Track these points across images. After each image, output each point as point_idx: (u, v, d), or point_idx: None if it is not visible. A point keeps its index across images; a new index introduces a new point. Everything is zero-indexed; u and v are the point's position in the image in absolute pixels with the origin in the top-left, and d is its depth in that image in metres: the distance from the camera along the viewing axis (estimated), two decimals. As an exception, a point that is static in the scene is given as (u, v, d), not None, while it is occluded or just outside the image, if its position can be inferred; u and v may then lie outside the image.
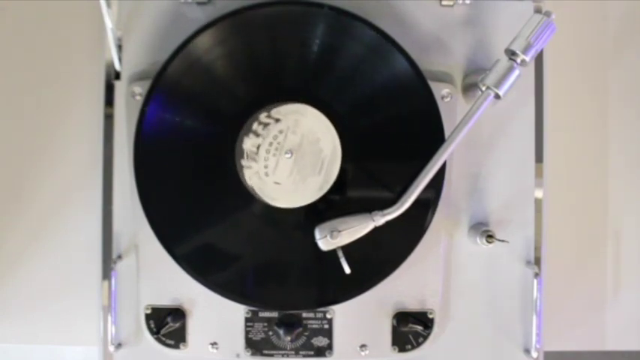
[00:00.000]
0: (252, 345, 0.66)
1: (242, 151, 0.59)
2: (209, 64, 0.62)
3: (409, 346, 0.66)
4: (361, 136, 0.62)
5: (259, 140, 0.59)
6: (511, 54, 0.57)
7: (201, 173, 0.62)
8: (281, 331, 0.65)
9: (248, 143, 0.59)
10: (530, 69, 0.67)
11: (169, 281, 0.65)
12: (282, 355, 0.66)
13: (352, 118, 0.62)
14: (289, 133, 0.59)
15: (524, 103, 0.67)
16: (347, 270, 0.59)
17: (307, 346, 0.66)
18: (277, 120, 0.59)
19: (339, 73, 0.63)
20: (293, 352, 0.66)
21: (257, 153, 0.59)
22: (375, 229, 0.59)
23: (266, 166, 0.60)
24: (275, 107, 0.59)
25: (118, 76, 0.66)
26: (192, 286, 0.63)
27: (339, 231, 0.59)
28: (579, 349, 0.76)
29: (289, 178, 0.60)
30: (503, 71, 0.57)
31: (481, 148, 0.67)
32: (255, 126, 0.59)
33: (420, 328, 0.65)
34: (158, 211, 0.62)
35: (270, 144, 0.59)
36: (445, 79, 0.66)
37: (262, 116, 0.59)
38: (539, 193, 0.67)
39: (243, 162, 0.59)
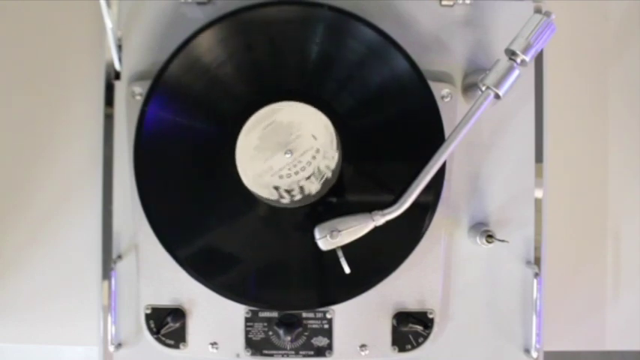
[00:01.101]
0: (252, 345, 0.66)
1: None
2: (209, 64, 0.62)
3: (409, 346, 0.66)
4: (361, 136, 0.62)
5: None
6: (511, 54, 0.57)
7: (201, 173, 0.62)
8: (281, 331, 0.65)
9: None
10: (530, 69, 0.67)
11: (169, 281, 0.65)
12: (282, 355, 0.66)
13: (352, 118, 0.62)
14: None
15: (524, 103, 0.67)
16: (347, 270, 0.59)
17: (307, 346, 0.66)
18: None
19: (339, 73, 0.63)
20: (293, 352, 0.66)
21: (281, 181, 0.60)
22: (375, 229, 0.59)
23: (304, 167, 0.60)
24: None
25: (118, 76, 0.66)
26: (192, 286, 0.63)
27: (339, 231, 0.59)
28: (579, 349, 0.76)
29: (308, 167, 0.60)
30: (503, 71, 0.57)
31: (481, 148, 0.67)
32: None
33: (420, 328, 0.65)
34: (158, 211, 0.62)
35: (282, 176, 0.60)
36: (445, 79, 0.66)
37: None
38: (539, 193, 0.67)
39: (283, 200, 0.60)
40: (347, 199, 0.62)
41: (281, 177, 0.60)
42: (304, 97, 0.60)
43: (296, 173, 0.60)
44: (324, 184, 0.60)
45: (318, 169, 0.60)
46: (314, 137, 0.60)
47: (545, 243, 0.67)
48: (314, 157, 0.60)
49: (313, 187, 0.60)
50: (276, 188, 0.60)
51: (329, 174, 0.60)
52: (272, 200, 0.60)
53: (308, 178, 0.60)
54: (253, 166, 0.60)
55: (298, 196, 0.60)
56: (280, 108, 0.60)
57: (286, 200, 0.60)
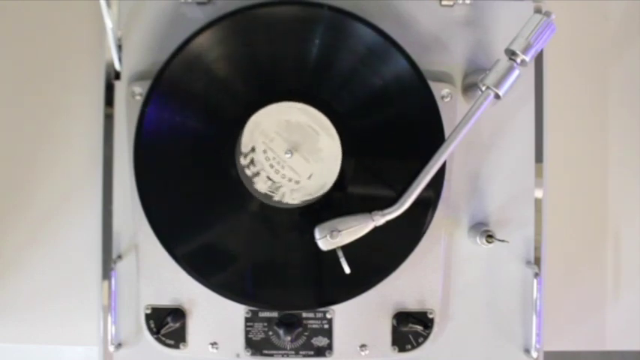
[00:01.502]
0: (252, 345, 0.66)
1: (262, 194, 0.61)
2: (209, 64, 0.62)
3: (409, 346, 0.66)
4: (361, 136, 0.62)
5: (262, 173, 0.60)
6: (511, 54, 0.57)
7: (201, 173, 0.62)
8: (281, 331, 0.65)
9: (261, 185, 0.60)
10: (530, 69, 0.67)
11: (169, 281, 0.65)
12: (282, 355, 0.66)
13: (352, 118, 0.62)
14: (274, 143, 0.60)
15: (524, 103, 0.67)
16: (347, 270, 0.59)
17: (307, 346, 0.66)
18: (253, 149, 0.60)
19: (339, 73, 0.63)
20: (293, 352, 0.66)
21: (275, 183, 0.60)
22: (375, 229, 0.59)
23: (290, 179, 0.60)
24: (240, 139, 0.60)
25: (118, 76, 0.66)
26: (192, 286, 0.63)
27: (339, 231, 0.59)
28: (579, 349, 0.76)
29: (306, 168, 0.60)
30: (503, 71, 0.57)
31: (481, 148, 0.67)
32: (248, 170, 0.60)
33: (420, 328, 0.65)
34: (158, 211, 0.62)
35: (271, 166, 0.60)
36: (445, 79, 0.66)
37: (242, 160, 0.60)
38: (539, 193, 0.67)
39: (274, 198, 0.61)
40: (347, 199, 0.62)
41: (264, 152, 0.60)
42: (304, 97, 0.60)
43: (270, 166, 0.61)
44: (265, 196, 0.61)
45: (278, 188, 0.61)
46: (309, 176, 0.61)
47: (545, 243, 0.67)
48: (289, 180, 0.61)
49: (260, 185, 0.61)
50: (252, 149, 0.60)
51: (275, 197, 0.61)
52: (238, 149, 0.60)
53: (268, 178, 0.61)
54: (270, 122, 0.60)
55: (248, 173, 0.60)
56: (332, 135, 0.60)
57: (243, 162, 0.60)
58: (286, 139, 0.60)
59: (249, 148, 0.60)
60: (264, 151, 0.60)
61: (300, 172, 0.60)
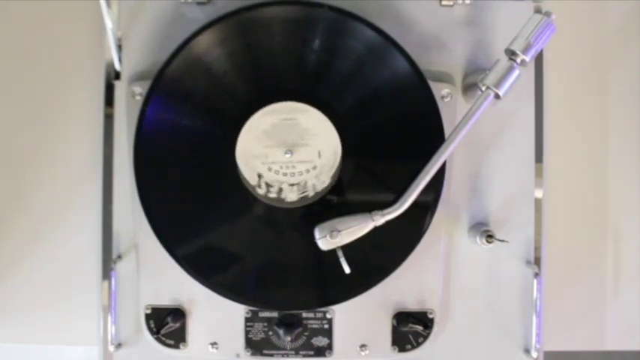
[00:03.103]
0: (252, 345, 0.66)
1: (263, 196, 0.61)
2: (209, 64, 0.62)
3: (409, 346, 0.66)
4: (361, 136, 0.62)
5: (284, 186, 0.60)
6: (511, 54, 0.57)
7: (201, 173, 0.62)
8: (281, 331, 0.65)
9: (292, 195, 0.60)
10: (530, 69, 0.67)
11: (169, 281, 0.65)
12: (282, 355, 0.66)
13: (352, 118, 0.62)
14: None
15: (524, 103, 0.67)
16: (347, 270, 0.59)
17: (307, 346, 0.66)
18: (259, 176, 0.60)
19: (339, 73, 0.63)
20: (293, 352, 0.66)
21: (299, 184, 0.60)
22: (375, 229, 0.59)
23: (307, 170, 0.60)
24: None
25: (118, 76, 0.66)
26: (192, 286, 0.63)
27: (339, 231, 0.58)
28: (579, 349, 0.76)
29: (311, 150, 0.60)
30: (503, 71, 0.57)
31: (481, 148, 0.67)
32: (271, 193, 0.60)
33: (420, 328, 0.65)
34: (158, 211, 0.62)
35: (285, 175, 0.60)
36: (445, 79, 0.66)
37: (260, 191, 0.60)
38: (539, 193, 0.67)
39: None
40: (347, 199, 0.62)
41: (270, 169, 0.60)
42: (304, 97, 0.60)
43: (284, 174, 0.60)
44: (301, 199, 0.60)
45: (305, 183, 0.60)
46: (319, 154, 0.60)
47: (545, 243, 0.67)
48: (308, 171, 0.60)
49: (290, 196, 0.60)
50: (259, 176, 0.60)
51: (311, 193, 0.60)
52: (249, 184, 0.60)
53: (291, 185, 0.60)
54: (253, 145, 0.60)
55: (273, 195, 0.60)
56: (306, 111, 0.60)
57: (261, 192, 0.60)
58: (276, 144, 0.60)
59: (256, 176, 0.60)
60: (269, 169, 0.60)
61: (310, 157, 0.60)
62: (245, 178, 0.60)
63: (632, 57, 0.76)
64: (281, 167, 0.60)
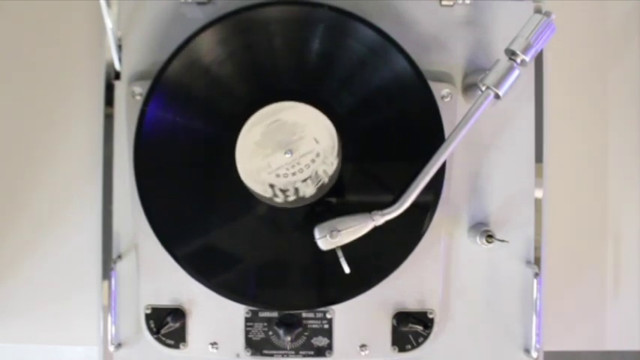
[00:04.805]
0: (252, 345, 0.66)
1: (264, 196, 0.61)
2: (209, 64, 0.62)
3: (409, 346, 0.66)
4: (361, 136, 0.62)
5: (297, 184, 0.60)
6: (511, 54, 0.57)
7: (201, 173, 0.62)
8: (281, 331, 0.65)
9: (309, 190, 0.61)
10: (530, 69, 0.67)
11: (169, 281, 0.65)
12: (282, 355, 0.66)
13: (352, 118, 0.62)
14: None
15: (525, 103, 0.67)
16: (347, 270, 0.59)
17: (307, 346, 0.66)
18: (271, 186, 0.60)
19: (339, 73, 0.63)
20: (293, 352, 0.66)
21: (311, 176, 0.60)
22: (375, 229, 0.59)
23: (312, 160, 0.60)
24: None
25: (118, 76, 0.66)
26: (192, 286, 0.63)
27: (339, 230, 0.58)
28: (579, 349, 0.76)
29: (308, 141, 0.60)
30: (503, 71, 0.57)
31: (481, 148, 0.67)
32: (290, 197, 0.60)
33: (420, 328, 0.65)
34: (158, 211, 0.62)
35: (294, 174, 0.60)
36: (445, 79, 0.66)
37: (278, 200, 0.60)
38: (539, 193, 0.67)
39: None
40: (347, 199, 0.62)
41: (278, 176, 0.60)
42: (304, 97, 0.60)
43: (293, 174, 0.60)
44: (319, 189, 0.60)
45: (316, 173, 0.60)
46: (316, 141, 0.60)
47: (545, 243, 0.67)
48: (313, 161, 0.60)
49: (308, 191, 0.60)
50: (272, 186, 0.60)
51: (325, 179, 0.60)
52: (265, 198, 0.60)
53: (304, 180, 0.60)
54: (252, 160, 0.60)
55: (292, 197, 0.60)
56: (287, 107, 0.60)
57: (280, 199, 0.60)
58: (273, 150, 0.60)
59: (269, 188, 0.60)
60: (278, 176, 0.60)
61: (309, 148, 0.60)
62: (259, 194, 0.60)
63: (632, 57, 0.76)
64: (287, 169, 0.60)
